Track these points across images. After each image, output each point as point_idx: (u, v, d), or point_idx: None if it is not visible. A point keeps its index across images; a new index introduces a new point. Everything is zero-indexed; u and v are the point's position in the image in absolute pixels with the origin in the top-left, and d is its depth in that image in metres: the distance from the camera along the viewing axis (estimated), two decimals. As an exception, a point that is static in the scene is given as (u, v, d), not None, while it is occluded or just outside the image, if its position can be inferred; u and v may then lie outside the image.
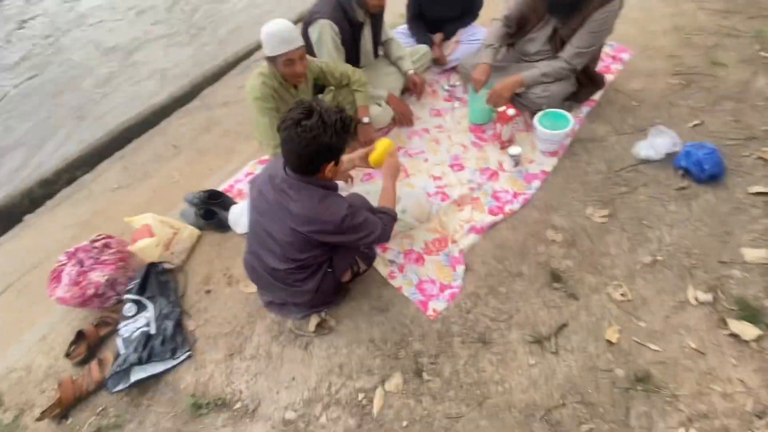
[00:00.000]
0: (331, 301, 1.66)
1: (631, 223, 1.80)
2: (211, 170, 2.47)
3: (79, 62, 3.93)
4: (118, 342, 1.66)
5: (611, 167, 2.03)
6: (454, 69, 2.69)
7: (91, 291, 1.69)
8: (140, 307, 1.75)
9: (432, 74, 2.73)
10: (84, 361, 1.68)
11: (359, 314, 1.68)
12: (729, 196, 1.81)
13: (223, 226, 2.05)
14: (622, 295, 1.57)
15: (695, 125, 2.14)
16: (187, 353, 1.65)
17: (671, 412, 1.29)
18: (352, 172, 1.96)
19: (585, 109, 2.31)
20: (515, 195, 1.98)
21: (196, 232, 2.04)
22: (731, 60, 2.47)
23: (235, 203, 2.11)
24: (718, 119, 2.15)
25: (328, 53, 2.11)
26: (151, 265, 1.84)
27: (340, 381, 1.51)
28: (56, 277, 1.74)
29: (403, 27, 2.79)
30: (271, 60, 1.78)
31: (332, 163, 1.35)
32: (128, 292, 1.77)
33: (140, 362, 1.57)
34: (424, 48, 2.56)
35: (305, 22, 2.19)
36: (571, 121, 2.05)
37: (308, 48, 2.06)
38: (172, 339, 1.66)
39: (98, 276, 1.72)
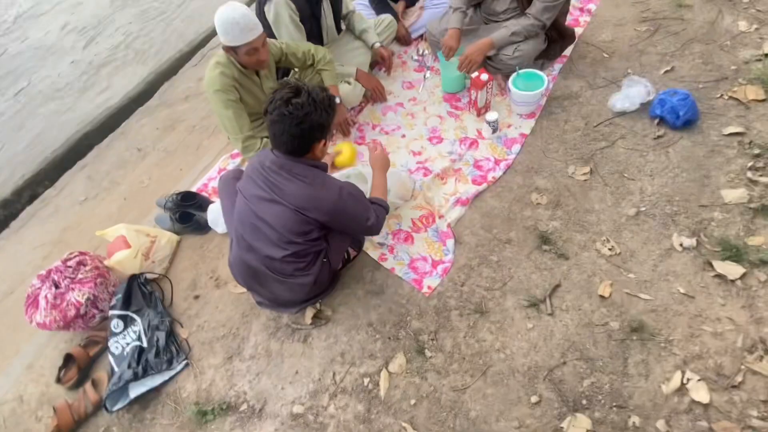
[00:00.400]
0: (326, 291, 1.64)
1: (613, 178, 1.81)
2: (182, 170, 2.36)
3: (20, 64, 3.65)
4: (111, 360, 1.60)
5: (588, 123, 2.02)
6: (421, 37, 2.60)
7: (72, 312, 1.62)
8: (128, 322, 1.69)
9: (399, 45, 2.63)
10: (77, 384, 1.62)
11: (354, 300, 1.66)
12: (704, 140, 1.83)
13: (202, 228, 1.98)
14: (610, 249, 1.60)
15: (666, 72, 2.13)
16: (184, 362, 1.61)
17: (666, 357, 1.33)
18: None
19: (557, 66, 2.28)
20: (497, 162, 1.96)
21: (174, 237, 1.96)
22: (696, 0, 2.46)
23: (211, 202, 2.03)
24: (687, 63, 2.15)
25: (288, 32, 1.99)
26: (133, 277, 1.77)
27: (344, 369, 1.50)
28: (33, 302, 1.65)
29: (363, -2, 2.66)
30: (230, 49, 1.67)
31: (322, 142, 1.35)
32: (113, 308, 1.70)
33: (136, 377, 1.53)
34: (387, 17, 2.46)
35: (259, 0, 2.05)
36: (545, 80, 2.02)
37: (265, 29, 1.94)
38: (165, 350, 1.61)
39: (77, 296, 1.64)
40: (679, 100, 1.84)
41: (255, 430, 1.44)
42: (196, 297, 1.80)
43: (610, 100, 2.03)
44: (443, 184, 1.94)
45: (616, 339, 1.40)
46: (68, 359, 1.66)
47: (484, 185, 1.88)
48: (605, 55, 2.30)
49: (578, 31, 2.40)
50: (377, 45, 2.31)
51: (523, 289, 1.57)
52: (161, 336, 1.64)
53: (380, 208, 1.53)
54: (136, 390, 1.53)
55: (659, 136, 1.88)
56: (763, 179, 1.64)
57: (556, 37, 2.16)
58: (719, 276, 1.44)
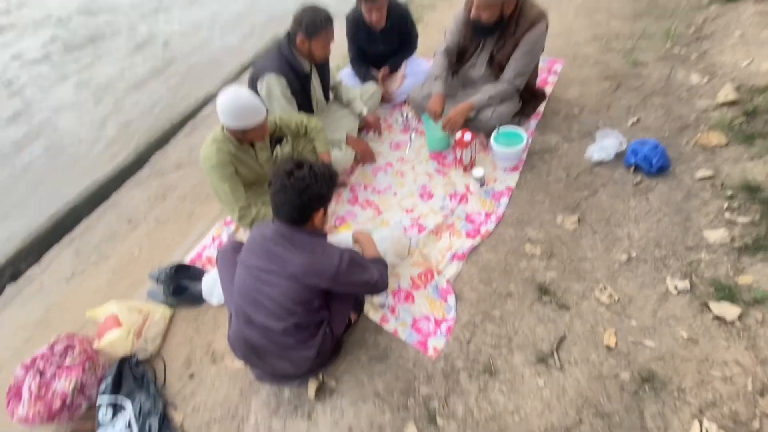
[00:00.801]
0: (329, 361, 1.58)
1: (600, 225, 1.88)
2: (174, 239, 2.34)
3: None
4: (98, 455, 1.48)
5: (570, 174, 2.13)
6: (404, 102, 2.76)
7: (57, 404, 1.51)
8: (117, 409, 1.58)
9: (384, 109, 2.79)
10: (60, 487, 1.48)
11: (358, 367, 1.60)
12: (679, 184, 1.94)
13: (197, 300, 1.93)
14: (609, 297, 1.62)
15: (633, 123, 2.31)
16: (179, 450, 1.50)
17: (682, 407, 1.31)
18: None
19: (533, 122, 2.44)
20: (488, 215, 2.02)
21: (168, 311, 1.90)
22: (650, 58, 2.72)
23: (205, 272, 1.99)
24: (651, 114, 2.34)
25: (280, 106, 2.10)
26: (124, 360, 1.68)
27: (353, 445, 1.42)
28: (15, 394, 1.54)
29: (349, 68, 2.85)
30: (236, 131, 1.74)
31: (321, 212, 1.40)
32: (102, 393, 1.59)
33: (127, 473, 1.41)
34: (372, 87, 2.62)
35: (251, 77, 2.18)
36: (524, 135, 2.15)
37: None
38: (159, 438, 1.50)
39: (63, 384, 1.54)
40: (649, 149, 1.97)
41: None
42: (191, 375, 1.71)
43: (587, 152, 2.16)
44: (438, 239, 1.97)
45: (628, 391, 1.38)
46: (50, 457, 1.52)
47: (478, 239, 1.92)
48: (576, 110, 2.48)
49: (548, 90, 2.60)
50: (365, 113, 2.44)
51: (529, 344, 1.55)
52: (154, 423, 1.53)
53: (380, 265, 1.56)
54: (126, 488, 1.40)
55: (638, 183, 1.99)
56: (741, 219, 1.73)
57: (528, 97, 2.34)
58: (718, 318, 1.47)
